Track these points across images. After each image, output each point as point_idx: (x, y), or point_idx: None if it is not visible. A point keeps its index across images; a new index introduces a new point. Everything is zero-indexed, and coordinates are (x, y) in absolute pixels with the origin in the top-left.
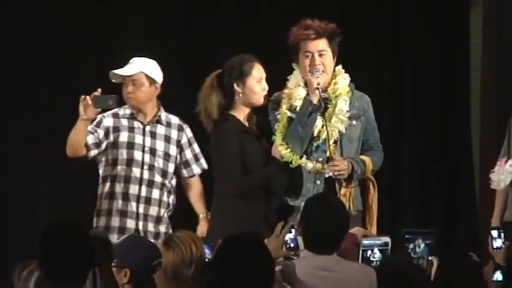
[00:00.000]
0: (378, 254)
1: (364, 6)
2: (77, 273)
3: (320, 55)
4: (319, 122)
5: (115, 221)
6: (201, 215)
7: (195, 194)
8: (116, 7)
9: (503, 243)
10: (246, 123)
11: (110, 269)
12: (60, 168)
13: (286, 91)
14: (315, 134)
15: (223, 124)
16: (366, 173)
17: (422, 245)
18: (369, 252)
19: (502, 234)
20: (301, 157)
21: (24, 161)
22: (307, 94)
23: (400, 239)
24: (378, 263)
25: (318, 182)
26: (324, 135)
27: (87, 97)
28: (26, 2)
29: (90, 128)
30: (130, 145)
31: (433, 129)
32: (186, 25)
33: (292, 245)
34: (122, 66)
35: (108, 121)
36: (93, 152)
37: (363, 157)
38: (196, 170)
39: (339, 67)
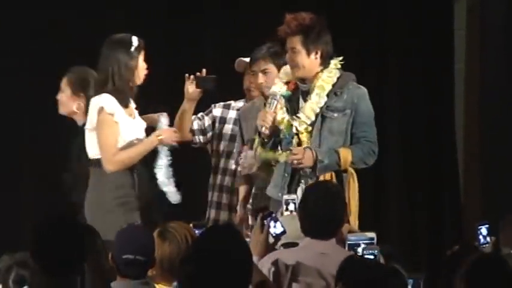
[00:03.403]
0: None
1: None
2: (70, 266)
3: (293, 52)
4: (281, 115)
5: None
6: None
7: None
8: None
9: (490, 238)
10: None
11: (97, 260)
12: (44, 160)
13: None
14: (280, 127)
15: None
16: (342, 165)
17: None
18: (355, 247)
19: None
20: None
21: (8, 153)
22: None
23: None
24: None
25: (286, 174)
26: (283, 127)
27: (191, 76)
28: None
29: (199, 114)
30: (233, 137)
31: (417, 122)
32: (169, 23)
33: (277, 232)
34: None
35: (217, 111)
36: (198, 138)
37: (340, 148)
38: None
39: (334, 61)
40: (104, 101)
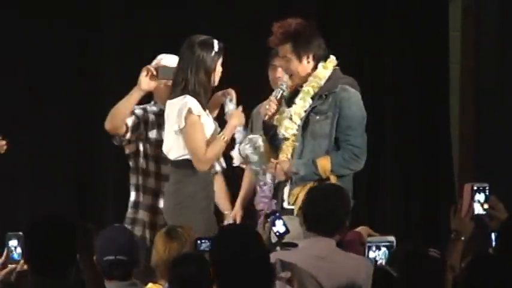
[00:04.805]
0: (383, 250)
1: None
2: (63, 265)
3: (285, 61)
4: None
5: (142, 215)
6: (226, 212)
7: (219, 191)
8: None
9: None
10: None
11: (91, 258)
12: (40, 160)
13: None
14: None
15: None
16: (321, 175)
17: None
18: (374, 248)
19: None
20: None
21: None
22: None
23: None
24: (383, 260)
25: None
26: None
27: (151, 68)
28: None
29: (136, 110)
30: (159, 142)
31: (412, 123)
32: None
33: (281, 231)
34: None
35: (139, 112)
36: (129, 135)
37: (318, 158)
38: (218, 167)
39: (323, 63)
40: (190, 102)
